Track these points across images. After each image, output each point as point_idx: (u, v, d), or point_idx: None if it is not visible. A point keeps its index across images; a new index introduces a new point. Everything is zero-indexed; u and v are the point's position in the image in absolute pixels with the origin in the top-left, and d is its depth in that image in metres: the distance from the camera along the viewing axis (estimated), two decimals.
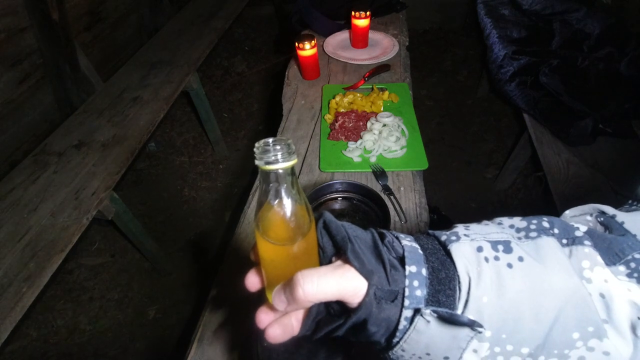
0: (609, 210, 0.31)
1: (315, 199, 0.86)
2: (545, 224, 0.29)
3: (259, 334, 0.30)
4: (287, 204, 0.31)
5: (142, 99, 1.74)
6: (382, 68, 1.34)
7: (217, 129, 2.28)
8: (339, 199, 0.87)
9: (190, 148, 2.46)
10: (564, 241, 0.28)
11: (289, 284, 0.28)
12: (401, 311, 0.26)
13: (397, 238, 0.30)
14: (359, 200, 0.86)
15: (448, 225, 0.30)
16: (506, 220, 0.30)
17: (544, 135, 1.57)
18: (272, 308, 0.30)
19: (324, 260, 0.32)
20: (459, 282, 0.26)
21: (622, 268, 0.26)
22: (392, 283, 0.26)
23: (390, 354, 0.27)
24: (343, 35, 1.57)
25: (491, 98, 2.57)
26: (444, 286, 0.26)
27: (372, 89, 1.20)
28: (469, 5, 2.84)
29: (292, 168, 0.30)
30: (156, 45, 2.19)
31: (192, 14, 2.50)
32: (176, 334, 1.64)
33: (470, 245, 0.27)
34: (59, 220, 1.20)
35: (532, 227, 0.29)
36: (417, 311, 0.25)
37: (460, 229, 0.29)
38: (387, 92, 1.18)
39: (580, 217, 0.33)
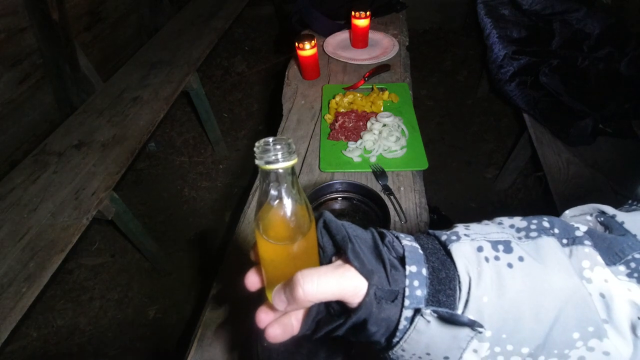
0: (609, 210, 0.31)
1: (315, 199, 0.86)
2: (546, 224, 0.29)
3: (259, 333, 0.30)
4: (287, 204, 0.31)
5: (142, 99, 1.74)
6: (382, 68, 1.34)
7: (217, 129, 2.28)
8: (339, 199, 0.87)
9: (190, 148, 2.46)
10: (564, 241, 0.28)
11: (289, 284, 0.28)
12: (401, 311, 0.26)
13: (397, 238, 0.30)
14: (359, 200, 0.86)
15: (448, 225, 0.30)
16: (506, 220, 0.30)
17: (544, 135, 1.57)
18: (272, 308, 0.30)
19: (324, 259, 0.32)
20: (459, 282, 0.26)
21: (622, 268, 0.26)
22: (393, 283, 0.26)
23: (390, 353, 0.27)
24: (343, 35, 1.57)
25: (491, 98, 2.57)
26: (444, 286, 0.26)
27: (372, 89, 1.20)
28: (469, 5, 2.84)
29: (292, 168, 0.30)
30: (156, 45, 2.19)
31: (192, 14, 2.50)
32: (176, 334, 1.64)
33: (470, 245, 0.27)
34: (59, 220, 1.20)
35: (533, 227, 0.29)
36: (417, 311, 0.25)
37: (460, 228, 0.29)
38: (387, 92, 1.18)
39: (580, 217, 0.33)
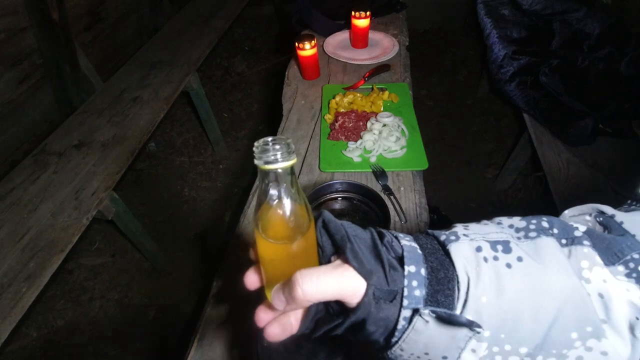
0: (608, 210, 0.31)
1: (315, 199, 0.86)
2: (545, 224, 0.29)
3: (259, 333, 0.30)
4: (287, 204, 0.31)
5: (142, 99, 1.74)
6: (382, 68, 1.34)
7: (217, 129, 2.28)
8: (339, 199, 0.87)
9: (190, 148, 2.46)
10: (563, 241, 0.28)
11: (288, 284, 0.28)
12: (400, 311, 0.26)
13: (396, 238, 0.30)
14: (359, 200, 0.86)
15: (448, 225, 0.30)
16: (505, 220, 0.30)
17: (544, 135, 1.57)
18: (271, 307, 0.30)
19: (323, 259, 0.32)
20: (458, 282, 0.26)
21: (621, 268, 0.26)
22: (391, 283, 0.26)
23: (389, 353, 0.27)
24: (343, 35, 1.57)
25: (491, 98, 2.57)
26: (442, 286, 0.26)
27: (372, 89, 1.20)
28: (469, 5, 2.84)
29: (292, 167, 0.30)
30: (156, 45, 2.19)
31: (192, 14, 2.50)
32: (176, 334, 1.64)
33: (469, 245, 0.27)
34: (59, 220, 1.20)
35: (532, 227, 0.29)
36: (415, 311, 0.25)
37: (459, 228, 0.29)
38: (387, 92, 1.18)
39: (580, 217, 0.33)
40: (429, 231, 0.30)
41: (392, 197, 0.91)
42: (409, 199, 0.92)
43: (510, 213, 0.31)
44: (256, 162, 0.29)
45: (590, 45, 1.82)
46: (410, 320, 0.26)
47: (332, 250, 0.32)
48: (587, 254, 0.26)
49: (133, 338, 1.63)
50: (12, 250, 1.12)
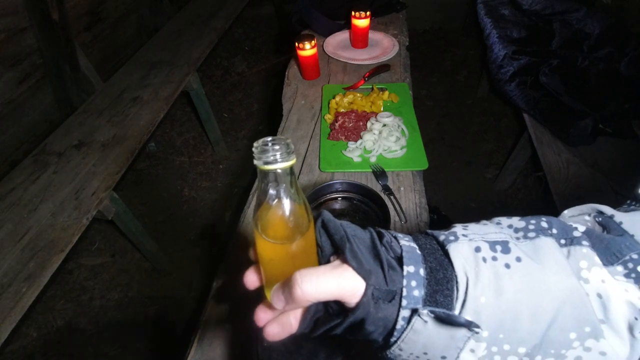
0: (607, 210, 0.31)
1: (315, 199, 0.86)
2: (544, 224, 0.29)
3: (259, 333, 0.30)
4: (286, 204, 0.31)
5: (142, 99, 1.74)
6: (382, 68, 1.34)
7: (217, 129, 2.28)
8: (339, 199, 0.87)
9: (190, 148, 2.46)
10: (562, 241, 0.28)
11: (287, 283, 0.28)
12: (399, 311, 0.26)
13: (395, 238, 0.30)
14: (359, 200, 0.86)
15: (448, 225, 0.30)
16: (505, 220, 0.30)
17: (544, 135, 1.57)
18: (270, 306, 0.30)
19: (322, 259, 0.32)
20: (457, 283, 0.26)
21: (619, 268, 0.26)
22: (390, 283, 0.27)
23: (388, 353, 0.27)
24: (343, 35, 1.57)
25: (491, 98, 2.57)
26: (441, 286, 0.26)
27: (372, 89, 1.20)
28: (469, 5, 2.84)
29: (291, 168, 0.30)
30: (156, 45, 2.19)
31: (192, 14, 2.50)
32: (176, 334, 1.64)
33: (468, 246, 0.27)
34: (59, 220, 1.20)
35: (531, 227, 0.29)
36: (414, 311, 0.25)
37: (458, 229, 0.29)
38: (387, 92, 1.19)
39: (579, 217, 0.33)
40: (428, 231, 0.30)
41: (392, 197, 0.91)
42: (409, 199, 0.92)
43: (510, 213, 0.31)
44: (255, 162, 0.29)
45: (590, 45, 1.82)
46: (409, 320, 0.26)
47: (331, 250, 0.32)
48: (586, 254, 0.26)
49: (133, 338, 1.63)
50: (12, 250, 1.12)
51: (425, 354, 0.26)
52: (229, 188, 2.23)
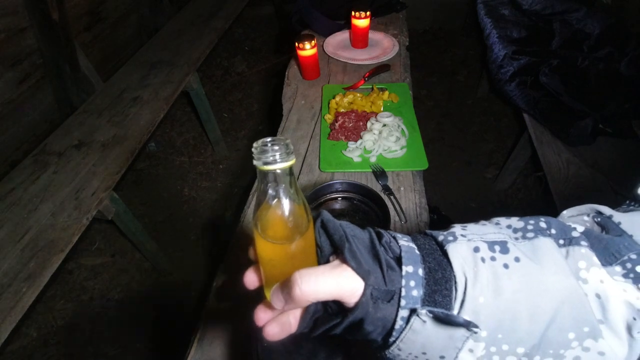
0: (606, 210, 0.31)
1: (315, 199, 0.86)
2: (543, 225, 0.29)
3: (259, 333, 0.31)
4: (285, 204, 0.31)
5: (142, 99, 1.74)
6: (382, 68, 1.34)
7: (217, 129, 2.28)
8: (339, 199, 0.87)
9: (190, 148, 2.46)
10: (561, 242, 0.28)
11: (286, 283, 0.28)
12: (397, 311, 0.26)
13: (394, 238, 0.30)
14: (359, 200, 0.86)
15: (448, 225, 0.30)
16: (503, 221, 0.30)
17: (544, 135, 1.57)
18: (270, 306, 0.30)
19: (321, 259, 0.32)
20: (456, 283, 0.26)
21: (618, 268, 0.26)
22: (389, 283, 0.27)
23: (387, 353, 0.27)
24: (343, 35, 1.57)
25: (491, 98, 2.57)
26: (440, 286, 0.26)
27: (372, 89, 1.20)
28: (469, 5, 2.84)
29: (291, 168, 0.30)
30: (156, 45, 2.19)
31: (192, 14, 2.50)
32: (176, 333, 1.64)
33: (467, 246, 0.27)
34: (59, 220, 1.21)
35: (530, 227, 0.29)
36: (413, 311, 0.25)
37: (457, 229, 0.29)
38: (387, 92, 1.19)
39: (578, 218, 0.33)
40: (427, 231, 0.31)
41: (392, 197, 0.91)
42: (409, 199, 0.92)
43: (510, 213, 0.31)
44: (255, 162, 0.29)
45: (590, 45, 1.82)
46: (407, 320, 0.26)
47: (330, 250, 0.32)
48: (584, 254, 0.26)
49: (133, 338, 1.63)
50: (12, 250, 1.12)
51: (424, 353, 0.26)
52: (229, 188, 2.24)
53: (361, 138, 1.03)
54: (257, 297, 0.35)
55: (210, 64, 3.06)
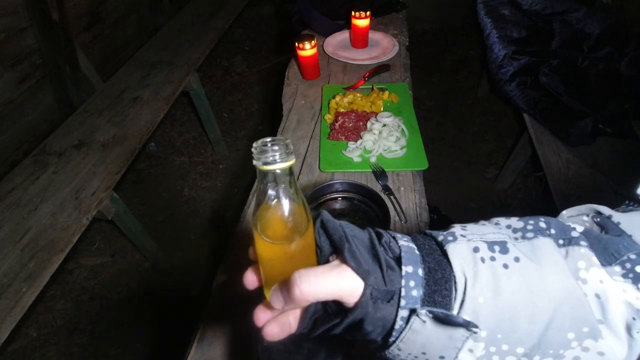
0: (606, 210, 0.31)
1: (315, 199, 0.86)
2: (542, 225, 0.29)
3: (259, 333, 0.31)
4: (285, 204, 0.31)
5: (142, 99, 1.74)
6: (382, 68, 1.34)
7: (217, 129, 2.28)
8: (339, 199, 0.87)
9: (190, 148, 2.46)
10: (561, 242, 0.28)
11: (286, 283, 0.28)
12: (397, 311, 0.26)
13: (394, 238, 0.30)
14: (359, 200, 0.86)
15: (448, 225, 0.30)
16: (503, 221, 0.30)
17: (544, 135, 1.57)
18: (270, 306, 0.30)
19: (321, 259, 0.32)
20: (455, 283, 0.26)
21: (617, 268, 0.26)
22: (389, 283, 0.27)
23: (386, 353, 0.27)
24: (343, 35, 1.57)
25: (491, 98, 2.57)
26: (440, 286, 0.26)
27: (372, 89, 1.20)
28: (469, 5, 2.84)
29: (290, 168, 0.30)
30: (156, 45, 2.19)
31: (192, 14, 2.50)
32: (176, 333, 1.64)
33: (466, 246, 0.27)
34: (59, 220, 1.21)
35: (529, 227, 0.29)
36: (413, 311, 0.25)
37: (457, 229, 0.29)
38: (387, 92, 1.19)
39: (577, 218, 0.33)
40: (427, 231, 0.30)
41: (392, 197, 0.91)
42: (409, 199, 0.92)
43: (510, 213, 0.31)
44: (255, 162, 0.29)
45: (590, 45, 1.82)
46: (407, 320, 0.26)
47: (330, 250, 0.32)
48: (584, 254, 0.26)
49: (133, 338, 1.63)
50: (12, 250, 1.12)
51: (424, 353, 0.26)
52: (229, 188, 2.24)
53: (361, 138, 1.03)
54: (257, 297, 0.35)
55: (210, 64, 3.06)
